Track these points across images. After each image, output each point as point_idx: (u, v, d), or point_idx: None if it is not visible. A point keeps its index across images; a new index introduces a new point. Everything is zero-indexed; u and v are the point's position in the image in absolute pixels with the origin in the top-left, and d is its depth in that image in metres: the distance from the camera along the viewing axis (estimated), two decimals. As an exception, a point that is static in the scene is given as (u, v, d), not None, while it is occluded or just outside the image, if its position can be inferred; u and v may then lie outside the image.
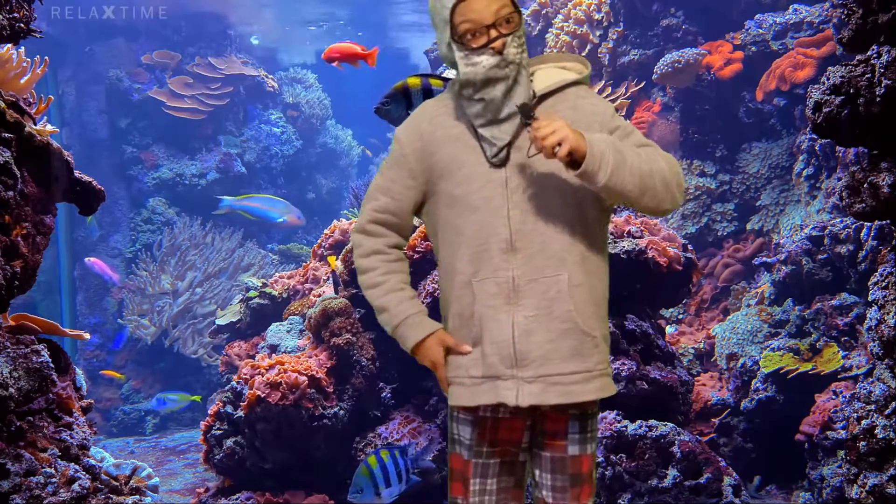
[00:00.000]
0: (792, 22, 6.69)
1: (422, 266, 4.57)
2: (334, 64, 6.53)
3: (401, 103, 2.97)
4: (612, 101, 7.15)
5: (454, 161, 2.07)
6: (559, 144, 1.89)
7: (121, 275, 9.20)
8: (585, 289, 2.03)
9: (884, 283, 2.81)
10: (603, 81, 7.49)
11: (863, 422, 2.74)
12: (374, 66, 6.76)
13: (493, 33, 1.98)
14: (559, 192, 2.03)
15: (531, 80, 2.08)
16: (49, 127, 3.30)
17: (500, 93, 2.00)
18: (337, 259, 5.46)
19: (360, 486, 3.65)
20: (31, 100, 3.32)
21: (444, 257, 2.13)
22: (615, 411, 4.23)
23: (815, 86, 2.84)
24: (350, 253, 4.95)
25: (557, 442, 2.09)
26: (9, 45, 3.14)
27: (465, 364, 2.08)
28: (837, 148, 5.93)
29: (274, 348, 5.77)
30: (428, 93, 2.92)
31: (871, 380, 2.82)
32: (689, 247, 5.06)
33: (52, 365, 2.91)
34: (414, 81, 2.97)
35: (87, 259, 8.62)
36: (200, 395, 8.18)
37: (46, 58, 3.35)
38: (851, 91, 2.68)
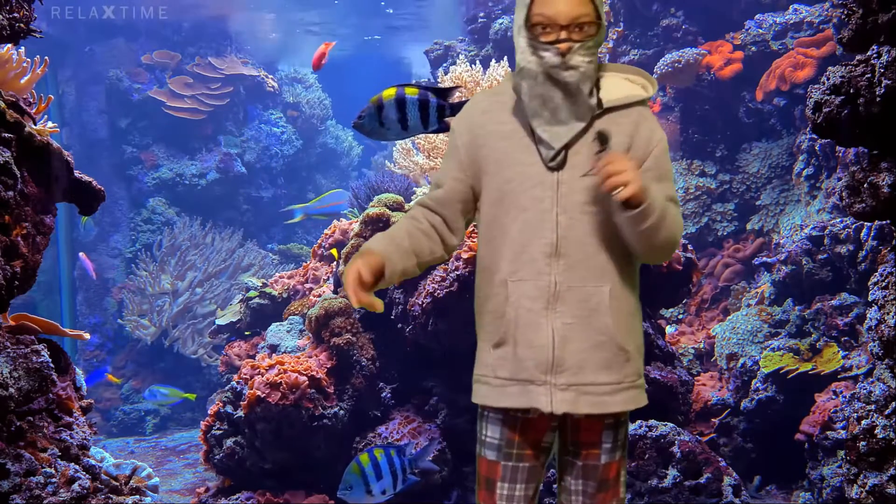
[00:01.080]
0: (792, 22, 6.69)
1: (422, 266, 4.57)
2: (323, 62, 6.81)
3: (374, 117, 2.98)
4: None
5: (505, 157, 2.06)
6: (623, 185, 1.89)
7: (120, 275, 9.20)
8: (623, 302, 2.04)
9: (884, 283, 2.81)
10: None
11: (863, 422, 2.74)
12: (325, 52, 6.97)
13: (563, 35, 1.96)
14: (607, 204, 2.01)
15: (598, 88, 2.05)
16: (49, 125, 3.30)
17: (559, 96, 1.99)
18: (339, 259, 5.46)
19: (350, 483, 3.59)
20: (31, 100, 3.32)
21: (485, 254, 2.11)
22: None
23: (815, 86, 2.84)
24: (350, 253, 4.95)
25: (593, 451, 2.10)
26: (9, 45, 3.14)
27: (492, 364, 2.06)
28: (837, 148, 5.93)
29: (274, 348, 5.77)
30: (401, 103, 2.93)
31: (871, 380, 2.82)
32: (689, 247, 5.06)
33: (52, 365, 2.91)
34: (388, 93, 2.97)
35: (80, 254, 8.63)
36: (201, 394, 8.20)
37: (46, 58, 3.35)
38: (851, 91, 2.68)
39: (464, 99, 2.87)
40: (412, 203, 2.23)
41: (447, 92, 2.98)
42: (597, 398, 2.02)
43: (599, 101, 2.04)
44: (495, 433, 2.10)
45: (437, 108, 2.94)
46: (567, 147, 2.02)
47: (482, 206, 2.11)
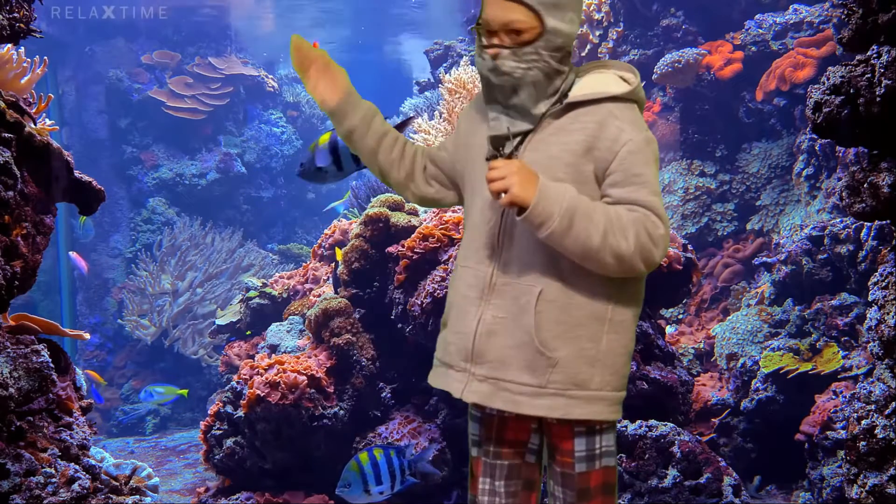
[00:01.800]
0: (792, 22, 6.69)
1: (421, 266, 4.57)
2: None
3: (312, 163, 3.11)
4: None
5: (472, 154, 2.11)
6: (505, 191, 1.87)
7: (120, 274, 9.21)
8: (557, 307, 1.95)
9: (884, 283, 2.81)
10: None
11: (863, 422, 2.74)
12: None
13: (495, 40, 1.94)
14: None
15: (571, 83, 2.00)
16: (48, 122, 3.30)
17: (502, 97, 1.98)
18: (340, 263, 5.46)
19: (349, 480, 3.58)
20: (31, 100, 3.32)
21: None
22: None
23: (815, 86, 2.84)
24: (350, 253, 4.95)
25: (565, 459, 2.06)
26: (9, 45, 3.13)
27: (438, 346, 2.14)
28: (837, 148, 5.93)
29: (274, 348, 5.77)
30: (334, 147, 3.06)
31: (871, 380, 2.82)
32: (689, 247, 5.06)
33: (52, 365, 2.91)
34: (323, 139, 3.10)
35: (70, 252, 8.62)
36: (201, 394, 8.20)
37: (46, 58, 3.35)
38: (851, 91, 2.68)
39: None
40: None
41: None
42: (513, 396, 1.98)
43: (564, 96, 1.98)
44: (474, 429, 2.15)
45: None
46: (523, 140, 2.00)
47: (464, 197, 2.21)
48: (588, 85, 1.99)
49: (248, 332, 6.61)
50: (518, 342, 1.97)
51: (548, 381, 1.95)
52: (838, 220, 5.29)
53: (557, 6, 1.92)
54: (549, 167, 1.95)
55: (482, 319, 2.00)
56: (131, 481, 3.25)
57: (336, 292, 5.26)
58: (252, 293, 6.70)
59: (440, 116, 5.32)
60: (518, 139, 2.00)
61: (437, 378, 2.12)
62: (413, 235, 4.64)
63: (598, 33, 7.56)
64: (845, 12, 2.74)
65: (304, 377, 4.57)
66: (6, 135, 2.85)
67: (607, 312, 1.98)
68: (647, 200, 1.92)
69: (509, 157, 1.98)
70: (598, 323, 1.98)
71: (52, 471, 2.83)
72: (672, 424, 4.21)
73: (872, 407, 2.73)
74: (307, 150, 3.15)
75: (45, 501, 2.75)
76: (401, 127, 3.17)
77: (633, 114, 1.99)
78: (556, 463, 2.09)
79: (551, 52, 1.93)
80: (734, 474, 4.17)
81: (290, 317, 6.06)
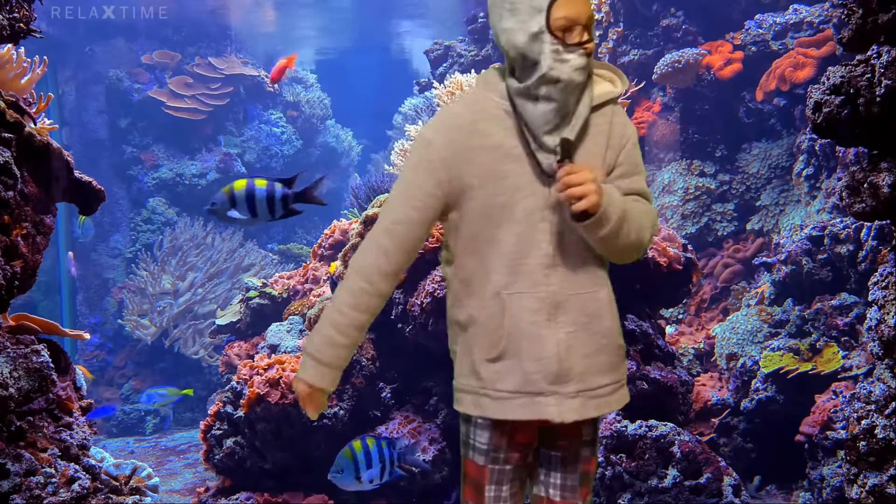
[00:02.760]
0: (792, 22, 6.69)
1: (421, 266, 4.57)
2: (283, 76, 7.31)
3: (226, 205, 3.30)
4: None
5: (492, 170, 1.98)
6: (582, 197, 1.88)
7: (120, 274, 9.20)
8: (613, 304, 2.08)
9: (884, 283, 2.81)
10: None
11: (863, 422, 2.74)
12: (292, 67, 7.64)
13: (586, 35, 1.92)
14: None
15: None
16: (47, 122, 3.30)
17: (573, 99, 1.95)
18: (337, 261, 5.46)
19: (342, 466, 3.63)
20: (31, 100, 3.32)
21: (469, 266, 2.05)
22: (615, 411, 4.22)
23: (815, 86, 2.84)
24: (349, 253, 4.95)
25: (574, 444, 2.11)
26: (9, 45, 3.13)
27: (489, 377, 2.02)
28: (837, 148, 5.93)
29: (274, 348, 5.77)
30: (251, 195, 3.25)
31: (871, 380, 2.82)
32: (689, 247, 5.06)
33: (52, 365, 2.91)
34: (239, 184, 3.28)
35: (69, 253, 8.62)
36: (201, 394, 8.20)
37: (45, 58, 3.35)
38: (851, 91, 2.68)
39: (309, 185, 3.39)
40: (376, 230, 2.16)
41: (292, 181, 3.35)
42: (601, 400, 2.04)
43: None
44: (483, 438, 2.09)
45: (282, 198, 3.32)
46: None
47: (463, 220, 2.03)
48: (597, 86, 2.04)
49: (248, 331, 6.60)
50: (595, 348, 2.02)
51: (621, 374, 2.09)
52: (838, 220, 5.29)
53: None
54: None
55: (558, 340, 1.99)
56: (131, 481, 3.25)
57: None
58: (252, 293, 6.70)
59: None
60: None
61: (516, 409, 2.00)
62: (413, 235, 4.64)
63: (597, 33, 7.56)
64: (845, 12, 2.74)
65: (304, 377, 4.56)
66: (6, 135, 2.85)
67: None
68: (646, 190, 2.09)
69: (561, 161, 1.93)
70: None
71: (52, 471, 2.83)
72: (672, 424, 4.20)
73: (872, 407, 2.74)
74: (221, 191, 3.30)
75: (45, 501, 2.75)
76: (291, 183, 3.36)
77: (623, 110, 2.12)
78: (558, 448, 2.11)
79: None
80: (734, 474, 4.17)
81: (290, 317, 6.06)
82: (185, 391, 6.86)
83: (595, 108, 2.01)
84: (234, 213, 3.25)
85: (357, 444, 3.65)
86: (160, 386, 7.23)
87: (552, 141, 1.94)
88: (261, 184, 3.28)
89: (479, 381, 2.05)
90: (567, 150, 1.91)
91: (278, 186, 3.30)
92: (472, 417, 2.12)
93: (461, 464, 2.19)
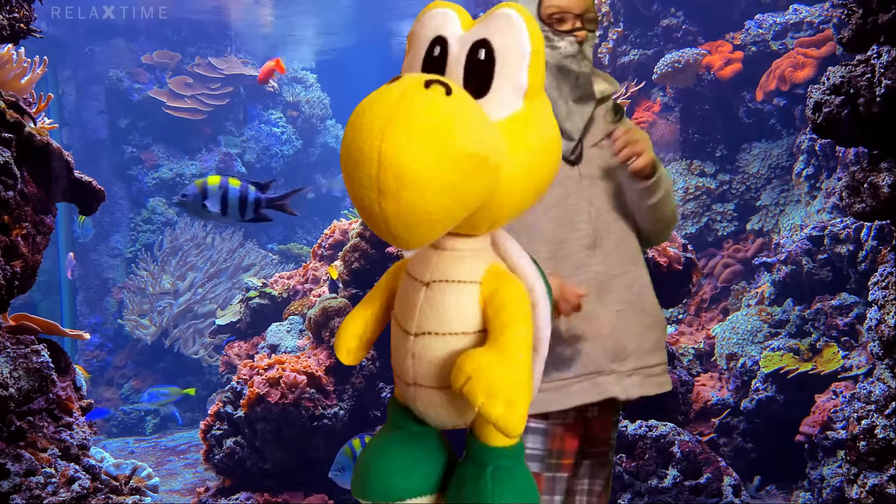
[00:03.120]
0: (792, 22, 6.69)
1: (422, 266, 4.57)
2: (272, 78, 7.33)
3: (197, 200, 3.31)
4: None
5: None
6: (637, 155, 1.93)
7: (120, 274, 9.20)
8: (651, 283, 2.08)
9: (884, 283, 2.81)
10: (603, 81, 7.49)
11: (863, 422, 2.74)
12: (283, 72, 7.79)
13: (578, 24, 1.97)
14: (620, 190, 2.05)
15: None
16: (47, 121, 3.30)
17: (569, 86, 1.98)
18: (337, 261, 5.46)
19: (342, 465, 3.67)
20: (31, 100, 3.32)
21: None
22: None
23: (815, 86, 2.84)
24: (350, 253, 4.95)
25: (602, 448, 2.10)
26: (9, 45, 3.13)
27: (546, 368, 2.00)
28: (837, 148, 5.93)
29: (274, 348, 5.78)
30: (224, 193, 3.26)
31: (871, 380, 2.82)
32: (689, 247, 5.06)
33: (52, 365, 2.91)
34: (213, 180, 3.28)
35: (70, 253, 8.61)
36: (201, 394, 8.20)
37: (46, 58, 3.35)
38: (851, 91, 2.68)
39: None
40: None
41: (267, 186, 3.35)
42: (657, 378, 2.04)
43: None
44: (536, 443, 2.01)
45: (254, 202, 3.32)
46: (582, 138, 2.03)
47: None
48: (596, 85, 2.08)
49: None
50: (643, 326, 2.02)
51: (666, 354, 2.09)
52: (838, 220, 5.29)
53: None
54: (604, 158, 2.05)
55: (609, 318, 1.99)
56: (131, 481, 3.25)
57: (335, 292, 5.25)
58: (252, 293, 6.70)
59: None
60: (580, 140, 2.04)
61: (578, 393, 1.96)
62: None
63: (598, 33, 7.56)
64: (845, 12, 2.74)
65: (304, 377, 4.57)
66: (6, 135, 2.85)
67: None
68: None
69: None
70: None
71: (52, 471, 2.83)
72: (672, 424, 4.21)
73: (872, 407, 2.74)
74: (193, 183, 3.31)
75: (45, 501, 2.75)
76: (265, 188, 3.35)
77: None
78: (588, 456, 2.09)
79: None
80: (734, 474, 4.17)
81: (290, 317, 6.06)
82: (187, 390, 6.87)
83: (601, 101, 2.08)
84: (210, 204, 3.20)
85: (356, 442, 3.68)
86: (162, 385, 7.23)
87: (565, 124, 1.96)
88: (235, 183, 3.28)
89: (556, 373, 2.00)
90: (618, 112, 2.01)
91: (252, 189, 3.31)
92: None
93: None
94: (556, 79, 1.97)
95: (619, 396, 1.97)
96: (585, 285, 1.93)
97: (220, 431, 4.77)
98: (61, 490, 2.81)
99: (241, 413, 4.60)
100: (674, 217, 2.11)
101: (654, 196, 1.99)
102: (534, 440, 2.02)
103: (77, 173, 3.31)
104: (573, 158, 2.00)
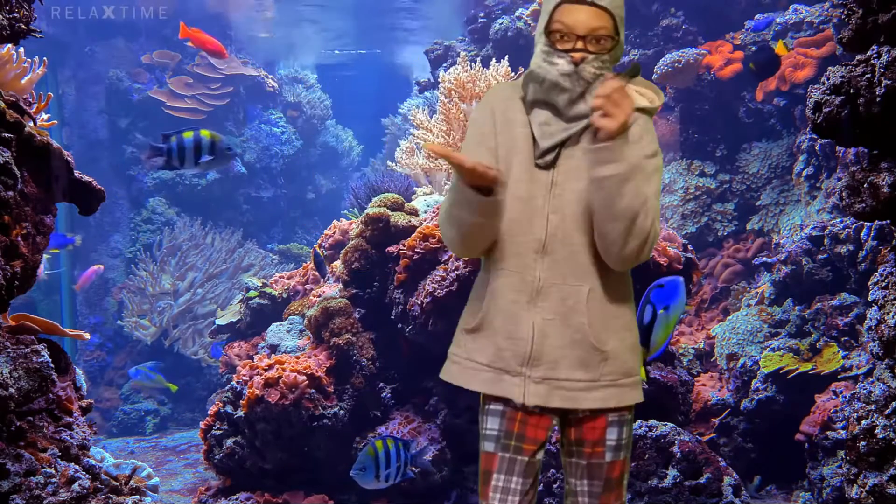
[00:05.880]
0: (792, 22, 6.69)
1: (421, 266, 4.57)
2: (189, 43, 7.50)
3: (162, 152, 3.89)
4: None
5: (513, 147, 2.10)
6: (609, 116, 1.92)
7: (120, 274, 9.20)
8: (603, 304, 2.06)
9: (884, 283, 2.81)
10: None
11: (863, 422, 2.74)
12: (226, 56, 7.91)
13: (580, 45, 2.00)
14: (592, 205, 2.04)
15: None
16: (44, 116, 3.29)
17: (562, 102, 2.03)
18: (337, 261, 5.46)
19: (364, 464, 3.77)
20: (31, 100, 3.32)
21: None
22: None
23: (815, 86, 2.84)
24: (350, 253, 4.95)
25: (597, 449, 2.11)
26: (9, 45, 3.13)
27: (468, 346, 2.11)
28: (837, 148, 5.93)
29: (274, 348, 5.77)
30: (198, 146, 3.76)
31: (871, 380, 2.82)
32: (689, 247, 5.05)
33: (52, 365, 2.90)
34: (187, 134, 3.80)
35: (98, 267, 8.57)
36: (201, 394, 8.20)
37: (46, 58, 3.35)
38: (851, 91, 2.68)
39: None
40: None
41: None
42: (569, 394, 2.05)
43: None
44: (494, 424, 2.12)
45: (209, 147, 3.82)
46: (561, 147, 2.05)
47: None
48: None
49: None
50: (568, 341, 2.04)
51: (601, 375, 2.06)
52: (838, 220, 5.29)
53: (623, 23, 2.06)
54: (579, 171, 2.05)
55: (535, 324, 2.04)
56: (131, 481, 3.25)
57: (321, 275, 5.24)
58: (252, 293, 6.70)
59: (439, 117, 5.31)
60: (555, 146, 2.06)
61: (484, 383, 2.09)
62: (413, 235, 4.64)
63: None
64: (845, 12, 2.74)
65: (304, 377, 4.57)
66: (6, 135, 2.85)
67: (630, 301, 2.14)
68: (656, 205, 2.06)
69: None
70: (630, 312, 2.14)
71: (52, 471, 2.83)
72: (672, 424, 4.20)
73: (872, 407, 2.73)
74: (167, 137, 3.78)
75: (45, 501, 2.75)
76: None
77: (649, 124, 2.11)
78: (582, 456, 2.12)
79: (613, 63, 2.07)
80: (734, 474, 4.17)
81: (290, 317, 6.06)
82: (170, 385, 6.95)
83: None
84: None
85: (379, 443, 3.79)
86: (151, 367, 7.28)
87: (539, 131, 2.04)
88: (207, 134, 3.82)
89: (457, 349, 2.15)
90: (633, 73, 2.03)
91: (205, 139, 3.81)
92: (486, 405, 2.15)
93: (479, 460, 2.18)
94: (549, 93, 2.03)
95: (516, 399, 2.05)
96: (524, 286, 2.03)
97: (220, 431, 4.77)
98: (61, 490, 2.81)
99: (241, 413, 4.60)
100: (633, 216, 1.95)
101: (603, 167, 1.94)
102: (492, 421, 2.12)
103: (77, 173, 3.31)
104: (541, 163, 2.05)
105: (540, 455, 2.14)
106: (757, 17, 6.90)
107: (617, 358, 2.08)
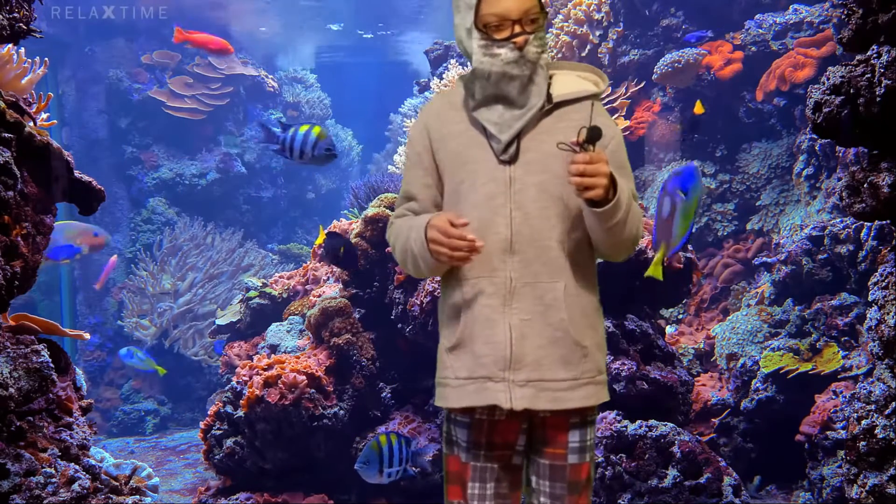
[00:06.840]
0: (792, 22, 6.69)
1: (422, 266, 4.57)
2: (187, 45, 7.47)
3: (278, 140, 4.08)
4: (612, 101, 7.15)
5: (458, 156, 2.07)
6: (591, 188, 1.90)
7: (120, 274, 9.20)
8: (579, 298, 2.04)
9: (884, 283, 2.80)
10: (603, 81, 7.49)
11: (863, 422, 2.74)
12: (231, 51, 8.00)
13: (517, 29, 1.98)
14: (560, 199, 2.02)
15: (549, 84, 2.06)
16: (44, 115, 3.29)
17: (514, 90, 2.00)
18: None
19: (368, 458, 3.80)
20: (31, 100, 3.32)
21: None
22: (615, 411, 4.23)
23: (815, 86, 2.84)
24: (350, 253, 4.95)
25: (558, 451, 2.08)
26: (9, 45, 3.13)
27: (451, 365, 2.06)
28: (837, 148, 5.93)
29: (274, 348, 5.77)
30: (306, 142, 4.02)
31: (871, 380, 2.82)
32: (689, 247, 5.05)
33: (52, 365, 2.90)
34: (303, 128, 4.02)
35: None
36: (201, 394, 8.21)
37: (46, 58, 3.35)
38: (851, 91, 2.67)
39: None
40: (391, 217, 2.23)
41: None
42: (555, 394, 2.01)
43: (550, 96, 2.05)
44: (462, 435, 2.10)
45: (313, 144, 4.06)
46: (519, 139, 2.02)
47: (444, 207, 2.12)
48: (567, 84, 2.09)
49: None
50: (549, 340, 2.00)
51: (581, 372, 2.03)
52: (838, 220, 5.29)
53: None
54: (547, 165, 2.01)
55: (511, 325, 1.99)
56: (131, 481, 3.25)
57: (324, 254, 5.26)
58: (252, 293, 6.70)
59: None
60: (514, 139, 2.03)
61: (469, 395, 2.03)
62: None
63: (598, 33, 7.56)
64: (845, 12, 2.74)
65: (304, 377, 4.57)
66: (6, 135, 2.85)
67: (597, 301, 2.12)
68: (635, 192, 2.10)
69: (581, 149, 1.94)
70: (597, 311, 2.12)
71: (52, 471, 2.83)
72: (672, 424, 4.20)
73: (872, 407, 2.73)
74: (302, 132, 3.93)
75: (45, 501, 2.75)
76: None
77: (598, 107, 2.10)
78: (545, 456, 2.09)
79: (545, 37, 2.05)
80: (734, 474, 4.17)
81: (290, 317, 6.06)
82: (159, 368, 6.99)
83: (569, 103, 2.06)
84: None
85: (383, 438, 3.82)
86: (143, 350, 7.30)
87: (495, 127, 2.01)
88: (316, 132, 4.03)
89: (444, 371, 2.10)
90: (592, 138, 1.92)
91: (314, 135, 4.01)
92: (451, 415, 2.13)
93: (443, 462, 2.18)
94: (499, 84, 2.00)
95: (503, 405, 1.99)
96: (494, 289, 2.00)
97: (220, 431, 4.77)
98: (61, 490, 2.81)
99: (240, 413, 4.60)
100: (635, 239, 2.05)
101: (610, 220, 1.95)
102: (460, 432, 2.11)
103: (77, 173, 3.31)
104: (505, 158, 2.02)
105: (516, 459, 2.11)
106: (757, 16, 6.90)
107: (594, 355, 2.06)
